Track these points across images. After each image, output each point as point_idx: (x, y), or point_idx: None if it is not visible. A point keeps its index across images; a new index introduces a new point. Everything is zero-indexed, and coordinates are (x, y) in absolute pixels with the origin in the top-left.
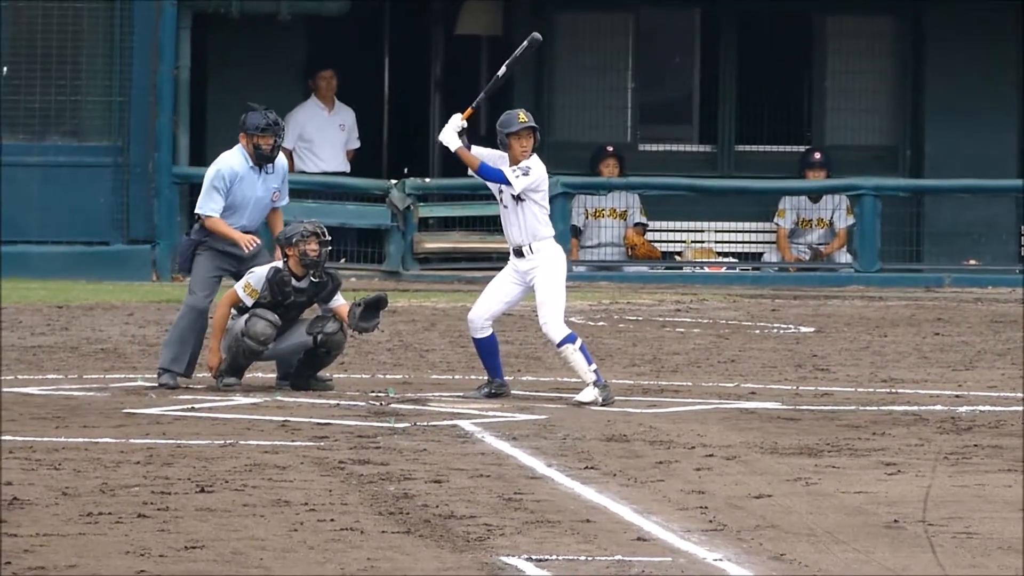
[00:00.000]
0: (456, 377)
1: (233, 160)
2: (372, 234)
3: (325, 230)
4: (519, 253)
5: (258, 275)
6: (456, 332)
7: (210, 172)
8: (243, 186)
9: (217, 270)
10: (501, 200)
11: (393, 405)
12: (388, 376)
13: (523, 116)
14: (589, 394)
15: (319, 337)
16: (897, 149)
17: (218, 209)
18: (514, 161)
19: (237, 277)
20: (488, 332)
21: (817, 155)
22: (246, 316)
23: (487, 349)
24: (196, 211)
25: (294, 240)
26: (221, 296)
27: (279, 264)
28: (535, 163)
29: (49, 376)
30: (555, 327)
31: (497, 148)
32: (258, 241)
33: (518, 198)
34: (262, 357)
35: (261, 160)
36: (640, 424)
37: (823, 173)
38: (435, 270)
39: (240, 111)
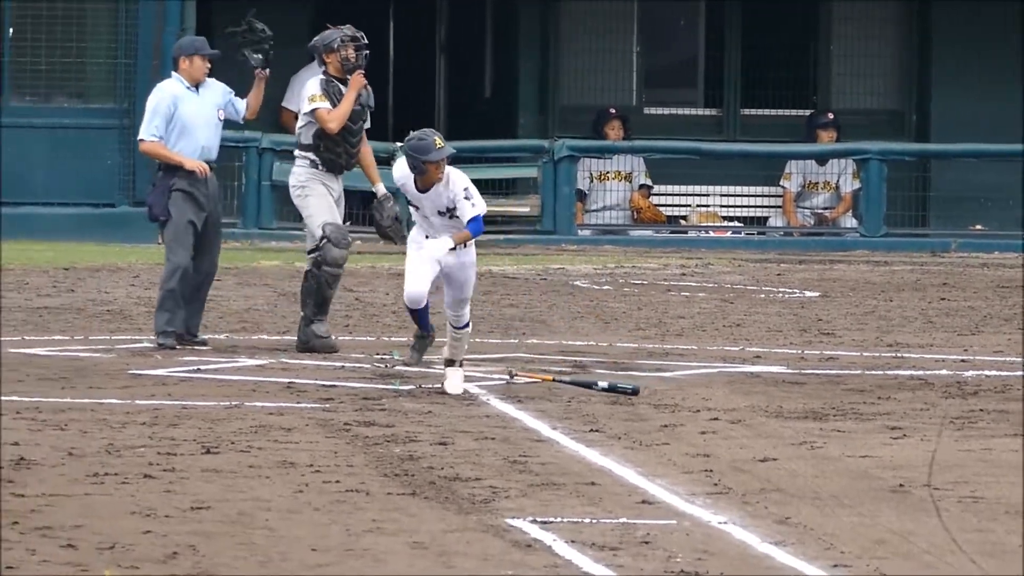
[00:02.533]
0: None
1: (168, 84)
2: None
3: (363, 34)
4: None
5: (312, 86)
6: None
7: (150, 99)
8: (185, 106)
9: (188, 223)
10: (427, 216)
11: (398, 368)
12: (393, 339)
13: (440, 142)
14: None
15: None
16: (903, 113)
17: (157, 134)
18: (429, 182)
19: (201, 226)
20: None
21: (830, 115)
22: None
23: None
24: (139, 137)
25: (335, 45)
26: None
27: (320, 76)
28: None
29: (55, 337)
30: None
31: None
32: (208, 170)
33: (451, 215)
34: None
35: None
36: (645, 387)
37: (834, 133)
38: None
39: (242, 74)
